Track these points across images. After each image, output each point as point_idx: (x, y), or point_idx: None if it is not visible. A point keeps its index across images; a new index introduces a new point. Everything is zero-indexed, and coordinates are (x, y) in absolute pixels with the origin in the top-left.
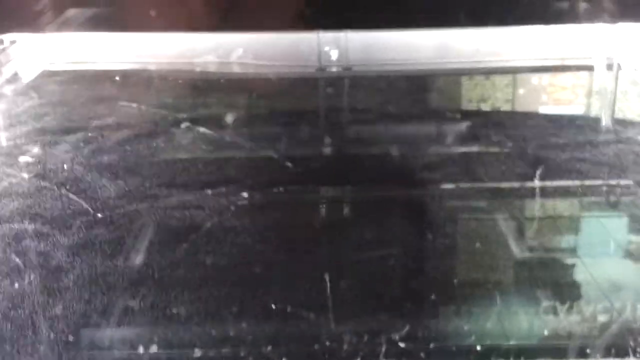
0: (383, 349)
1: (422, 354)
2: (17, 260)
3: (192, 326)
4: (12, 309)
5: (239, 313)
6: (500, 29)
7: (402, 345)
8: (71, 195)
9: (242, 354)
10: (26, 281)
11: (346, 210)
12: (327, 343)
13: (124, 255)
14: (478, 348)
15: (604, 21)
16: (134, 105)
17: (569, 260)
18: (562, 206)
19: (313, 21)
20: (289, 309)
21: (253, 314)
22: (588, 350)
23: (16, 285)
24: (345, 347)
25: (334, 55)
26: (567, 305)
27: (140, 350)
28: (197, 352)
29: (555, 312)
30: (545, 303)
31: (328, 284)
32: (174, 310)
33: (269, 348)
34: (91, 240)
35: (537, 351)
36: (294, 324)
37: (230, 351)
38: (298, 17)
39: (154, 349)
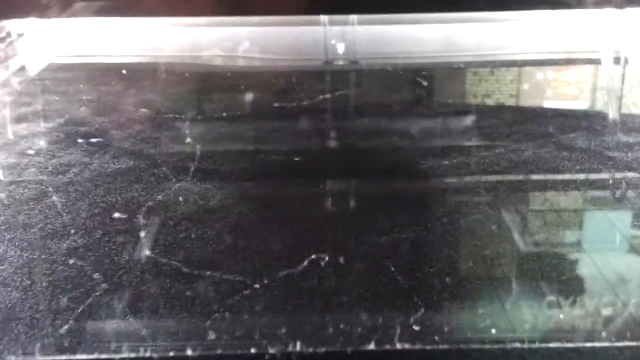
0: (397, 332)
1: (436, 337)
2: None
3: (206, 309)
4: None
5: (252, 296)
6: (506, 23)
7: (416, 328)
8: None
9: (256, 337)
10: None
11: (353, 201)
12: (342, 326)
13: None
14: (493, 331)
15: (612, 6)
16: (140, 98)
17: (576, 255)
18: (569, 200)
19: (318, 6)
20: (302, 293)
21: (267, 297)
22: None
23: None
24: (359, 330)
25: (341, 48)
26: (573, 298)
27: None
28: (211, 335)
29: (565, 301)
30: (553, 292)
31: (342, 268)
32: (188, 293)
33: (284, 331)
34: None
35: (551, 336)
36: (308, 307)
37: (244, 335)
38: (303, 2)
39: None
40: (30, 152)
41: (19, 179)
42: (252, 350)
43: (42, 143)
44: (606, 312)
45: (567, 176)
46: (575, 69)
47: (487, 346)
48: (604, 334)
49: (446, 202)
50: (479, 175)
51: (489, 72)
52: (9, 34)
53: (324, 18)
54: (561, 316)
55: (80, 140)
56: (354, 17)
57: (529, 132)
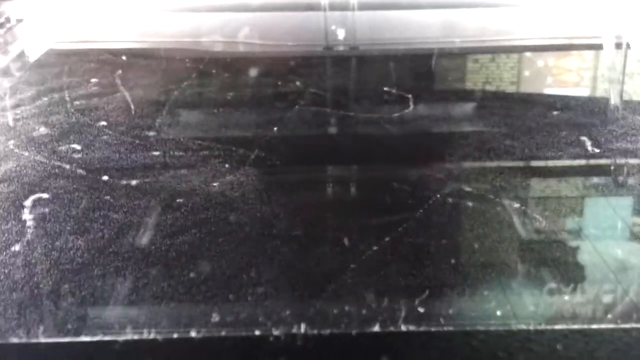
0: (402, 314)
1: (441, 319)
2: None
3: (209, 291)
4: None
5: (257, 279)
6: (508, 8)
7: (421, 310)
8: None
9: (260, 319)
10: None
11: (353, 187)
12: (346, 308)
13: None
14: (498, 313)
15: None
16: (140, 83)
17: (578, 241)
18: (571, 186)
19: None
20: (308, 274)
21: (272, 279)
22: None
23: None
24: (364, 312)
25: (341, 34)
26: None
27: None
28: (215, 317)
29: (569, 284)
30: (553, 276)
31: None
32: (191, 275)
33: (288, 313)
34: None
35: (555, 317)
36: (313, 289)
37: (248, 317)
38: None
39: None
40: (30, 137)
41: (19, 165)
42: (257, 332)
43: (42, 129)
44: (611, 295)
45: (567, 162)
46: (576, 54)
47: (493, 328)
48: (609, 316)
49: (450, 187)
50: (480, 161)
51: (490, 57)
52: (8, 20)
53: (324, 3)
54: (566, 298)
55: (80, 126)
56: (354, 3)
57: (530, 118)
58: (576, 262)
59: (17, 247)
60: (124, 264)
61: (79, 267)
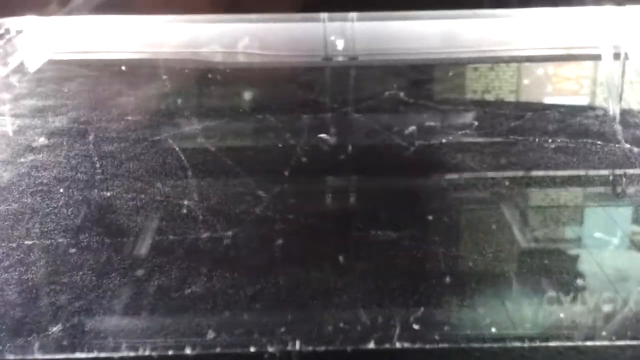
0: (397, 332)
1: (436, 336)
2: None
3: (205, 309)
4: None
5: (252, 295)
6: (506, 18)
7: (416, 327)
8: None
9: (255, 336)
10: None
11: (353, 199)
12: (341, 325)
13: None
14: (493, 330)
15: (612, 3)
16: (139, 94)
17: (575, 251)
18: (569, 196)
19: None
20: (302, 291)
21: (267, 296)
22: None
23: None
24: (358, 329)
25: (340, 44)
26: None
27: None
28: (211, 334)
29: (566, 299)
30: (554, 291)
31: (342, 266)
32: (186, 292)
33: (283, 330)
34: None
35: (551, 335)
36: (307, 306)
37: (243, 333)
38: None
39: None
40: (30, 148)
41: (18, 176)
42: (252, 349)
43: (42, 139)
44: (607, 309)
45: (566, 172)
46: (575, 64)
47: (488, 345)
48: (604, 332)
49: (447, 199)
50: (479, 171)
51: (489, 68)
52: (7, 31)
53: (323, 14)
54: (562, 314)
55: (80, 137)
56: (353, 14)
57: (529, 127)
58: (574, 274)
59: None
60: None
61: None
